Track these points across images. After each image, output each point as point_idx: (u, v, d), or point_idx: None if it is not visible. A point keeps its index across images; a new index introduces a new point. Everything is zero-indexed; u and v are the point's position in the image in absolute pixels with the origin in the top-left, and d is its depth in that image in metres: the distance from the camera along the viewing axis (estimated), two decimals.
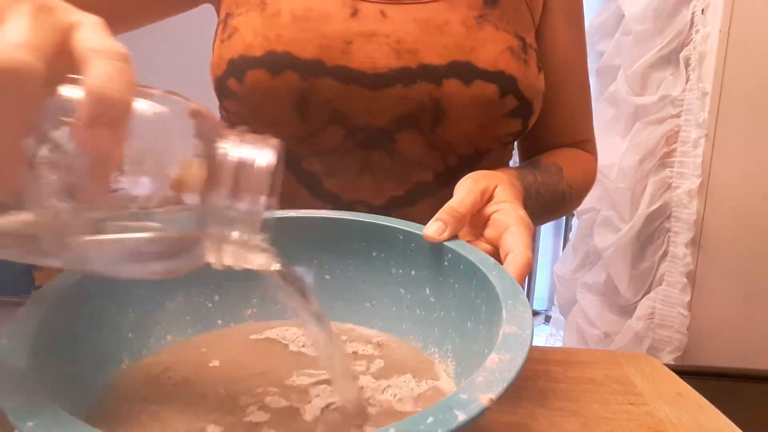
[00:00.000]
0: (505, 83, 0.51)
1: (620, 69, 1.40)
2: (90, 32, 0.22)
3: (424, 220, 0.39)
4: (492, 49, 0.52)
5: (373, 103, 0.51)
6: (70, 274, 0.33)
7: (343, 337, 0.40)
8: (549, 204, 0.55)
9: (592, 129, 0.69)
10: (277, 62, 0.49)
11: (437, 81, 0.51)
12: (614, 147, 1.39)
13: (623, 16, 1.36)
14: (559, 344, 1.83)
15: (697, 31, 1.26)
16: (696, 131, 1.27)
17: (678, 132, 1.31)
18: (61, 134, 0.21)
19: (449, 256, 0.37)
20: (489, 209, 0.42)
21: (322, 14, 0.51)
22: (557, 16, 0.60)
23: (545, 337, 1.99)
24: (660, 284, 1.37)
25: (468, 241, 0.38)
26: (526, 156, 0.67)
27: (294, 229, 0.41)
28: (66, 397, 0.27)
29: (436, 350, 0.38)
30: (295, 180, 0.55)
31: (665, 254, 1.37)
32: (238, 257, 0.26)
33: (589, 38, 0.79)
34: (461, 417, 0.21)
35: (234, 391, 0.33)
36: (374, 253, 0.41)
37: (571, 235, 1.73)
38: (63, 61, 0.21)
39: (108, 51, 0.21)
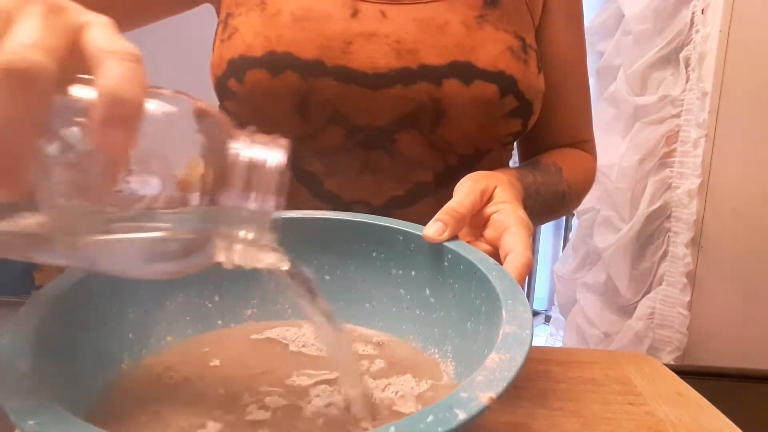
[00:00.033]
0: (505, 83, 0.52)
1: (620, 69, 1.40)
2: (101, 32, 0.22)
3: (424, 221, 0.39)
4: (492, 49, 0.52)
5: (373, 103, 0.51)
6: (71, 274, 0.33)
7: None
8: (549, 204, 0.56)
9: (592, 129, 0.69)
10: (277, 62, 0.49)
11: (437, 81, 0.51)
12: (614, 147, 1.39)
13: (623, 16, 1.36)
14: (559, 344, 1.83)
15: (697, 31, 1.26)
16: (696, 131, 1.27)
17: (678, 132, 1.31)
18: (72, 134, 0.21)
19: (449, 256, 0.37)
20: (489, 210, 0.42)
21: (322, 14, 0.51)
22: (557, 16, 0.60)
23: (545, 337, 1.99)
24: (660, 284, 1.37)
25: (468, 242, 0.39)
26: (526, 156, 0.67)
27: (294, 229, 0.41)
28: (66, 397, 0.27)
29: (436, 350, 0.38)
30: (295, 180, 0.56)
31: (665, 254, 1.37)
32: (248, 256, 0.26)
33: (589, 38, 0.79)
34: (461, 416, 0.21)
35: (234, 390, 0.33)
36: (374, 254, 0.41)
37: (571, 235, 1.73)
38: (74, 61, 0.21)
39: (120, 51, 0.21)
